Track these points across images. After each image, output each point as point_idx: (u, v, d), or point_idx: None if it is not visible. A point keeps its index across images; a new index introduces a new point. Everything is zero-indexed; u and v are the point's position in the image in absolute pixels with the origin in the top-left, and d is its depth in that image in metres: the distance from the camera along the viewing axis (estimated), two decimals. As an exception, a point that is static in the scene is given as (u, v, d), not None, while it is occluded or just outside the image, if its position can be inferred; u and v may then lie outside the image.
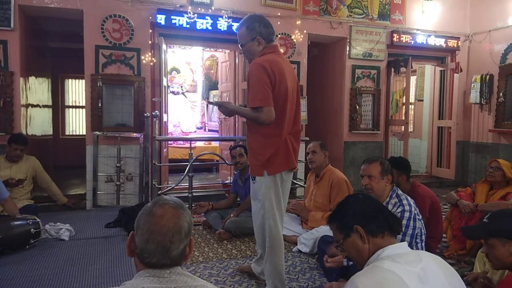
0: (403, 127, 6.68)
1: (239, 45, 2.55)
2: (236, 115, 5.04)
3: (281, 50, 5.72)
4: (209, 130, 8.72)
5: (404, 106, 6.70)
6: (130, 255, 1.19)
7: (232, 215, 3.93)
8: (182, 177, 4.44)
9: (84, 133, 5.06)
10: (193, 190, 4.46)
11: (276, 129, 2.42)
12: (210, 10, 5.35)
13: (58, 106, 8.00)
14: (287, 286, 2.81)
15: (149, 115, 4.89)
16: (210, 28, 5.29)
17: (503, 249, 1.73)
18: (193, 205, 4.40)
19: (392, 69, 6.64)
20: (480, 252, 2.42)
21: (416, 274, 1.27)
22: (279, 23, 5.74)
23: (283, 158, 2.46)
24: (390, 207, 2.48)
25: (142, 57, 5.07)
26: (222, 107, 2.53)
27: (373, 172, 2.54)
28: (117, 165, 4.84)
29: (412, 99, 8.12)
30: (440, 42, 6.65)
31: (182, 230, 1.16)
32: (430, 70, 7.39)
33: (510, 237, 1.72)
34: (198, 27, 5.23)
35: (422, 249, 2.41)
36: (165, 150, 5.71)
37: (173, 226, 1.14)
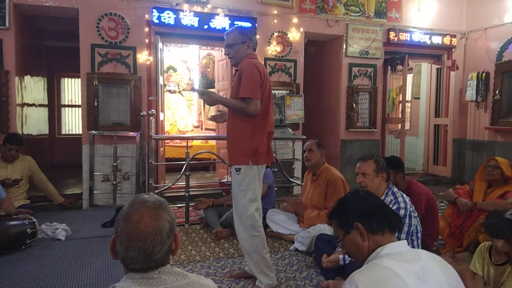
0: (399, 125, 6.69)
1: (226, 47, 2.71)
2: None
3: (278, 48, 5.75)
4: (206, 129, 8.70)
5: (400, 104, 6.70)
6: (115, 258, 1.15)
7: (212, 200, 4.15)
8: (179, 176, 4.43)
9: (80, 132, 5.05)
10: (190, 189, 4.44)
11: (263, 122, 2.64)
12: (206, 8, 5.33)
13: (54, 105, 7.96)
14: (283, 284, 2.82)
15: (145, 113, 4.88)
16: (206, 26, 5.28)
17: None
18: (191, 203, 4.40)
19: (389, 67, 6.64)
20: (484, 248, 2.37)
21: (415, 273, 1.27)
22: (275, 21, 5.73)
23: (265, 151, 2.67)
24: (385, 204, 2.49)
25: (138, 56, 5.06)
26: (206, 95, 2.68)
27: (367, 170, 2.56)
28: (114, 164, 4.82)
29: (408, 97, 8.13)
30: (437, 40, 6.66)
31: (163, 231, 1.10)
32: (426, 68, 7.40)
33: None
34: (194, 25, 5.22)
35: (418, 247, 2.42)
36: (161, 149, 5.70)
37: (152, 230, 1.08)
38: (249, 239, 2.63)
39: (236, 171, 2.63)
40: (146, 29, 5.12)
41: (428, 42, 6.61)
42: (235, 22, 5.37)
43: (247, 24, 5.42)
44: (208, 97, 2.66)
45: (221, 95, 6.64)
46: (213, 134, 7.72)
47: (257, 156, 2.61)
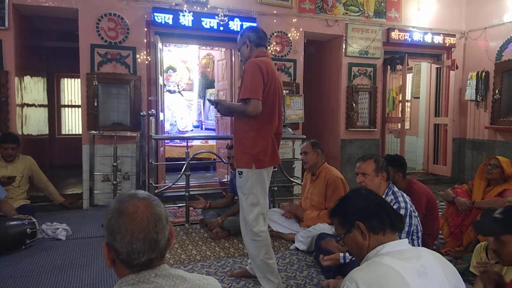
0: (399, 124, 6.69)
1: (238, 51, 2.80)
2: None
3: (277, 48, 5.75)
4: (206, 129, 8.71)
5: (400, 104, 6.70)
6: (111, 267, 1.08)
7: (219, 219, 3.92)
8: (179, 176, 4.43)
9: (80, 132, 5.05)
10: (190, 189, 4.45)
11: (267, 125, 2.56)
12: (206, 8, 5.33)
13: (54, 106, 7.95)
14: (284, 283, 2.82)
15: (145, 114, 4.88)
16: (206, 26, 5.27)
17: None
18: (192, 202, 4.40)
19: (388, 67, 6.65)
20: (481, 248, 2.39)
21: (415, 271, 1.27)
22: (275, 21, 5.73)
23: (270, 154, 2.59)
24: (386, 204, 2.49)
25: (138, 56, 5.06)
26: (219, 105, 2.64)
27: (367, 169, 2.56)
28: (114, 164, 4.82)
29: (408, 96, 8.13)
30: (436, 39, 6.67)
31: (162, 216, 1.08)
32: (426, 68, 7.40)
33: None
34: (194, 26, 5.22)
35: (419, 246, 2.42)
36: (161, 149, 5.70)
37: (152, 216, 1.05)
38: (251, 243, 2.59)
39: (239, 174, 2.59)
40: (146, 29, 5.12)
41: (428, 41, 6.61)
42: (235, 22, 5.36)
43: (247, 24, 5.41)
44: (221, 106, 2.63)
45: (221, 95, 6.65)
46: (213, 134, 7.72)
47: (262, 159, 2.54)
